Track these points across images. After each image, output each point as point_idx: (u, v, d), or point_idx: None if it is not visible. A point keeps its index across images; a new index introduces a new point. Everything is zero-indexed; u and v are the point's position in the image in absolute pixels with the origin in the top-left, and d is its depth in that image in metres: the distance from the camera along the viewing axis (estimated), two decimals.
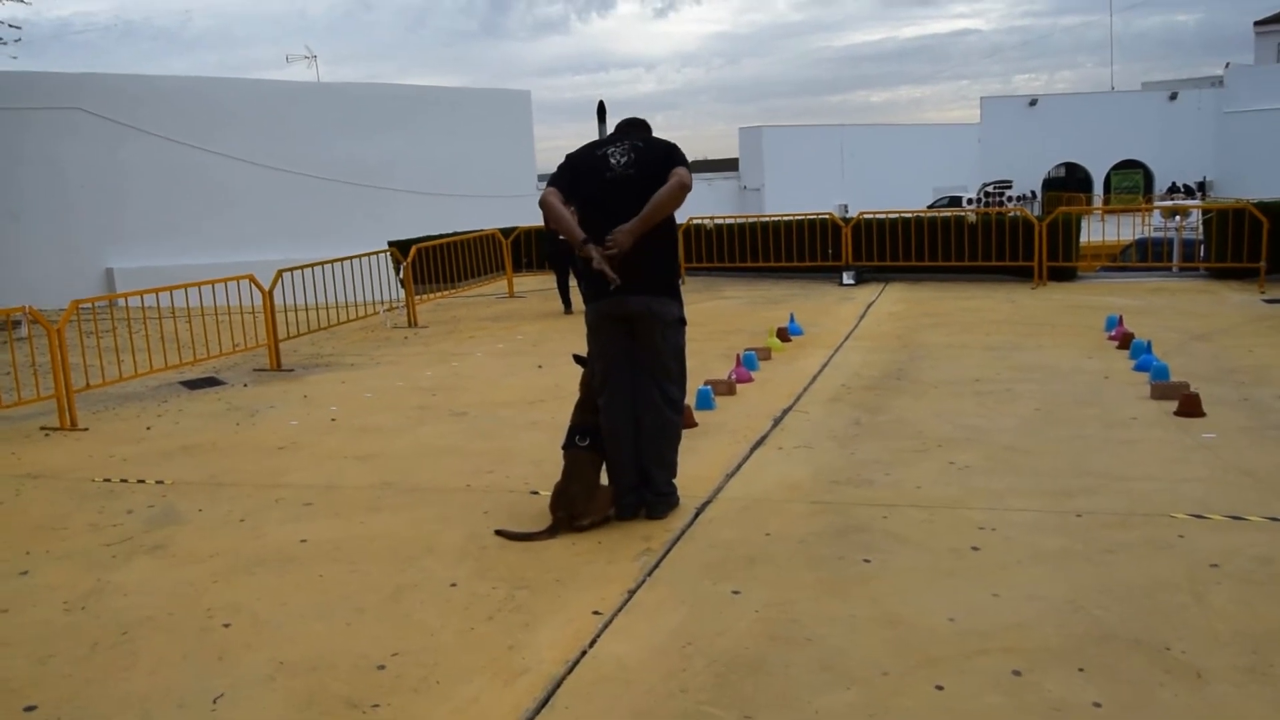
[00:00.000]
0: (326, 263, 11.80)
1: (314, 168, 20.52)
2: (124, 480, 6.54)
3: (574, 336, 11.65)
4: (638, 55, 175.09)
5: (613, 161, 4.97)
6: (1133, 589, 4.15)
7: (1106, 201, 40.44)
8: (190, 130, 19.04)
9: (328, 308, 12.51)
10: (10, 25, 16.11)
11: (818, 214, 15.83)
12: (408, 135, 22.07)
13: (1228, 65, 44.28)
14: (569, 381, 7.76)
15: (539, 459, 6.40)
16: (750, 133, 37.56)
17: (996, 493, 5.43)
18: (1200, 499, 5.22)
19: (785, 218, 15.93)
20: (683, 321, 5.16)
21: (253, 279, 10.34)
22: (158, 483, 6.43)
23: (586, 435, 5.12)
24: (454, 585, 4.47)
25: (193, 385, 9.70)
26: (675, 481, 5.30)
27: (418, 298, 14.46)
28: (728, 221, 16.51)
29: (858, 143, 39.01)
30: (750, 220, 16.46)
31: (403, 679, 3.64)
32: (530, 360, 10.12)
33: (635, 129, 5.25)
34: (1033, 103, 43.98)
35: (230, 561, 4.94)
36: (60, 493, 6.35)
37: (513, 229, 16.23)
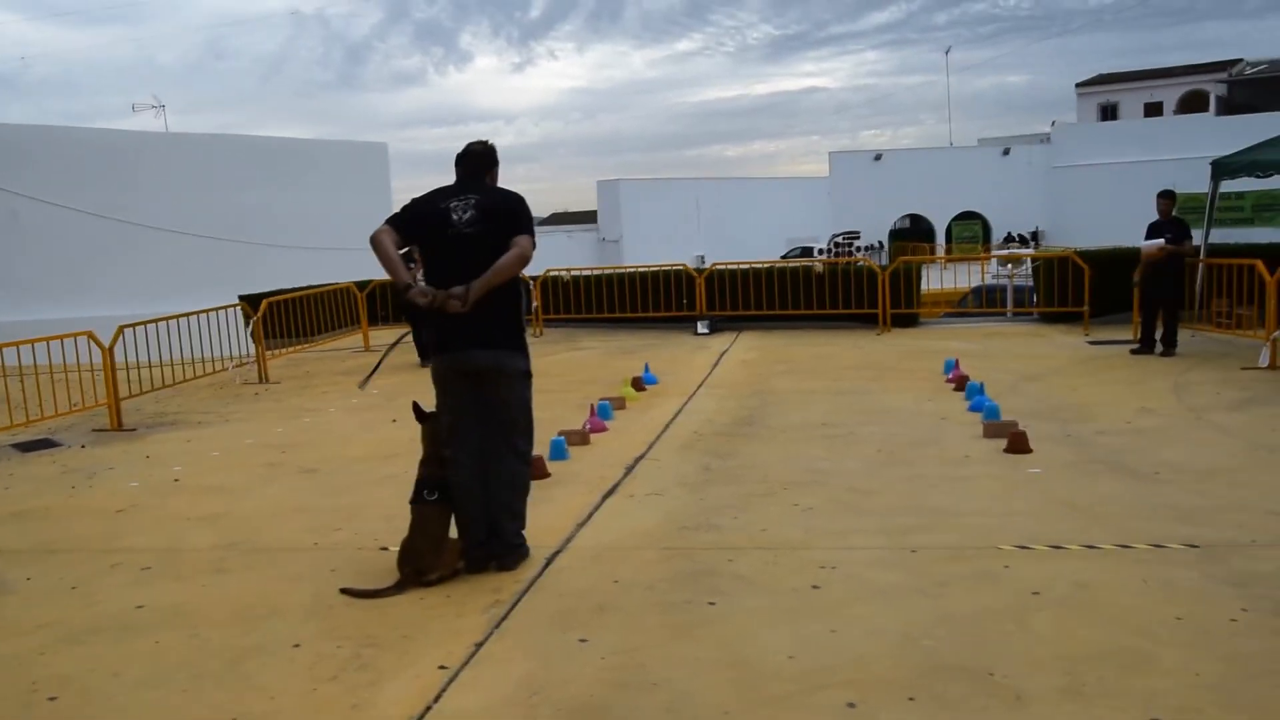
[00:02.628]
0: (172, 318, 11.41)
1: (164, 220, 19.86)
2: None
3: (430, 389, 11.53)
4: (496, 109, 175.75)
5: (454, 218, 4.92)
6: (962, 619, 4.34)
7: (949, 250, 42.38)
8: (30, 181, 18.20)
9: (176, 364, 12.07)
10: None
11: (672, 265, 16.15)
12: (262, 187, 21.60)
13: (1054, 123, 47.30)
14: None
15: (390, 514, 6.28)
16: (608, 186, 38.11)
17: (838, 532, 5.61)
18: (1026, 531, 5.50)
19: (641, 269, 16.20)
20: (529, 375, 5.18)
21: (91, 335, 9.93)
22: None
23: (435, 489, 5.09)
24: (298, 646, 4.36)
25: (25, 447, 9.22)
26: (525, 532, 5.30)
27: (271, 353, 14.09)
28: (585, 273, 16.67)
29: (713, 195, 40.03)
30: (607, 271, 16.67)
31: None
32: (385, 414, 9.96)
33: (476, 163, 5.12)
34: (878, 157, 45.99)
35: (60, 632, 4.70)
36: None
37: (368, 282, 16.01)
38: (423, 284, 4.96)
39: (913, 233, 46.18)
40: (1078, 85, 50.19)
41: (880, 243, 43.67)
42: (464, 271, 4.84)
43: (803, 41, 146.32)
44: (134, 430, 9.85)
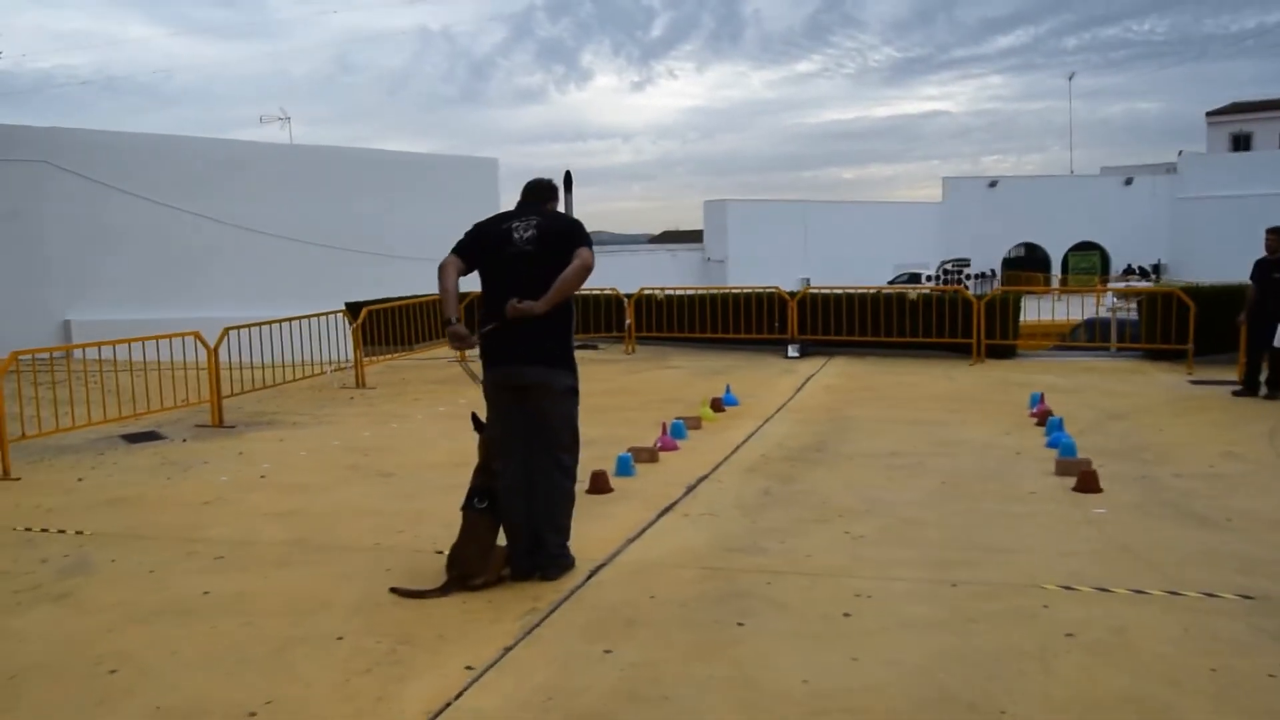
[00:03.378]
0: (275, 321, 11.97)
1: (280, 228, 20.79)
2: (45, 530, 6.64)
3: None
4: (614, 126, 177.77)
5: (515, 236, 5.18)
6: (986, 656, 4.33)
7: (1064, 281, 41.26)
8: (158, 187, 19.29)
9: (278, 366, 12.65)
10: None
11: (766, 288, 16.18)
12: (375, 198, 22.41)
13: (1180, 153, 45.64)
14: None
15: (452, 520, 6.46)
16: (715, 206, 38.22)
17: (882, 562, 5.62)
18: (1074, 571, 5.42)
19: (735, 290, 16.27)
20: (575, 391, 5.34)
21: (198, 336, 10.50)
22: (77, 533, 6.52)
23: (485, 497, 5.29)
24: (340, 639, 4.60)
25: (133, 439, 9.79)
26: (570, 544, 5.46)
27: (371, 359, 14.63)
28: (679, 292, 16.82)
29: (821, 218, 39.78)
30: (700, 291, 16.79)
31: None
32: (468, 423, 10.21)
33: (538, 194, 5.44)
34: (993, 184, 45.04)
35: (130, 611, 5.05)
36: None
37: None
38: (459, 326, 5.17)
39: (1027, 261, 45.10)
40: (1208, 114, 48.34)
41: (993, 270, 42.80)
42: (523, 287, 5.08)
43: (925, 64, 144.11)
44: (233, 427, 10.37)
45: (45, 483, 8.09)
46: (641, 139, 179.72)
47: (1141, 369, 13.88)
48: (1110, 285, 26.71)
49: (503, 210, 5.52)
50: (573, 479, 5.41)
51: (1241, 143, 50.37)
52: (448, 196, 23.73)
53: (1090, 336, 18.97)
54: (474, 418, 5.57)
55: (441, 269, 5.22)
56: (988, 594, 5.10)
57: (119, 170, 18.82)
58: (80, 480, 8.13)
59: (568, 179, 18.95)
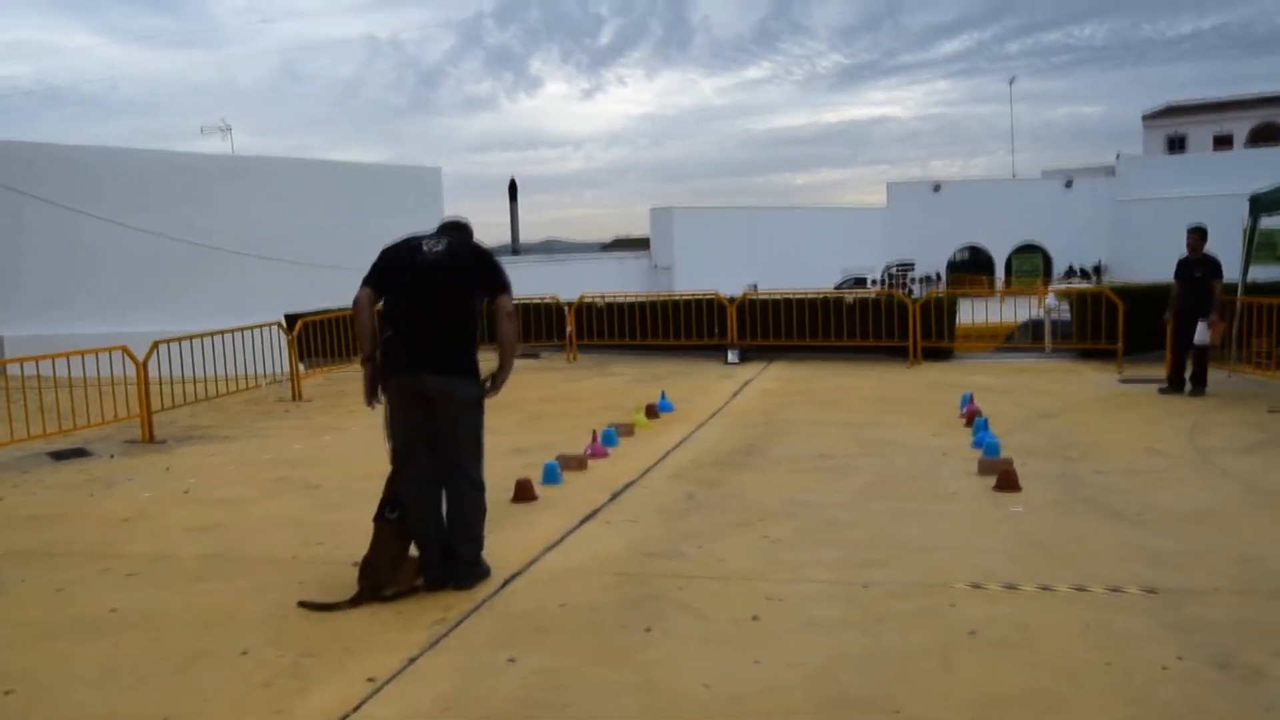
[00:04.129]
0: (207, 334, 11.80)
1: (220, 239, 20.54)
2: None
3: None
4: (565, 134, 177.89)
5: (425, 248, 5.23)
6: (889, 655, 4.36)
7: (1008, 283, 41.81)
8: (86, 199, 18.95)
9: (214, 380, 12.46)
10: None
11: (706, 293, 16.23)
12: (317, 209, 22.21)
13: (1119, 155, 46.49)
14: None
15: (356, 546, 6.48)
16: (661, 213, 38.32)
17: (798, 564, 5.64)
18: (985, 569, 5.48)
19: (675, 296, 16.31)
20: (480, 402, 5.31)
21: (126, 350, 10.33)
22: None
23: (396, 507, 5.25)
24: (245, 653, 4.53)
25: (59, 456, 9.61)
26: (485, 553, 5.43)
27: (311, 371, 14.48)
28: (620, 299, 16.82)
29: (768, 224, 39.99)
30: (642, 298, 16.81)
31: None
32: None
33: (454, 227, 5.49)
34: (936, 188, 45.57)
35: (34, 630, 4.95)
36: None
37: None
38: None
39: (972, 264, 45.66)
40: (1145, 116, 49.24)
41: (938, 274, 43.30)
42: (430, 301, 5.12)
43: (872, 70, 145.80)
44: (164, 443, 10.21)
45: None
46: (592, 146, 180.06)
47: (1074, 368, 14.10)
48: (1052, 287, 27.04)
49: (411, 235, 5.46)
50: (482, 489, 5.38)
51: (1177, 144, 51.45)
52: (391, 206, 23.60)
53: (1026, 337, 19.25)
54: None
55: (357, 304, 5.24)
56: (898, 594, 5.14)
57: (46, 182, 18.50)
58: (0, 498, 7.96)
59: (512, 187, 18.95)
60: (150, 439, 10.28)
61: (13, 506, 7.72)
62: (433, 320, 5.14)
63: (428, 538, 5.24)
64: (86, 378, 11.16)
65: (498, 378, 5.30)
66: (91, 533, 6.83)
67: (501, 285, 5.24)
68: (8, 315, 17.47)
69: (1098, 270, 42.90)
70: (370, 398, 5.28)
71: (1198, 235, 11.87)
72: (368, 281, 5.26)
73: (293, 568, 5.82)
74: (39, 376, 11.69)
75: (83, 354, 10.13)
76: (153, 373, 11.28)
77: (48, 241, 18.38)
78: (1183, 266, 11.91)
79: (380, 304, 5.29)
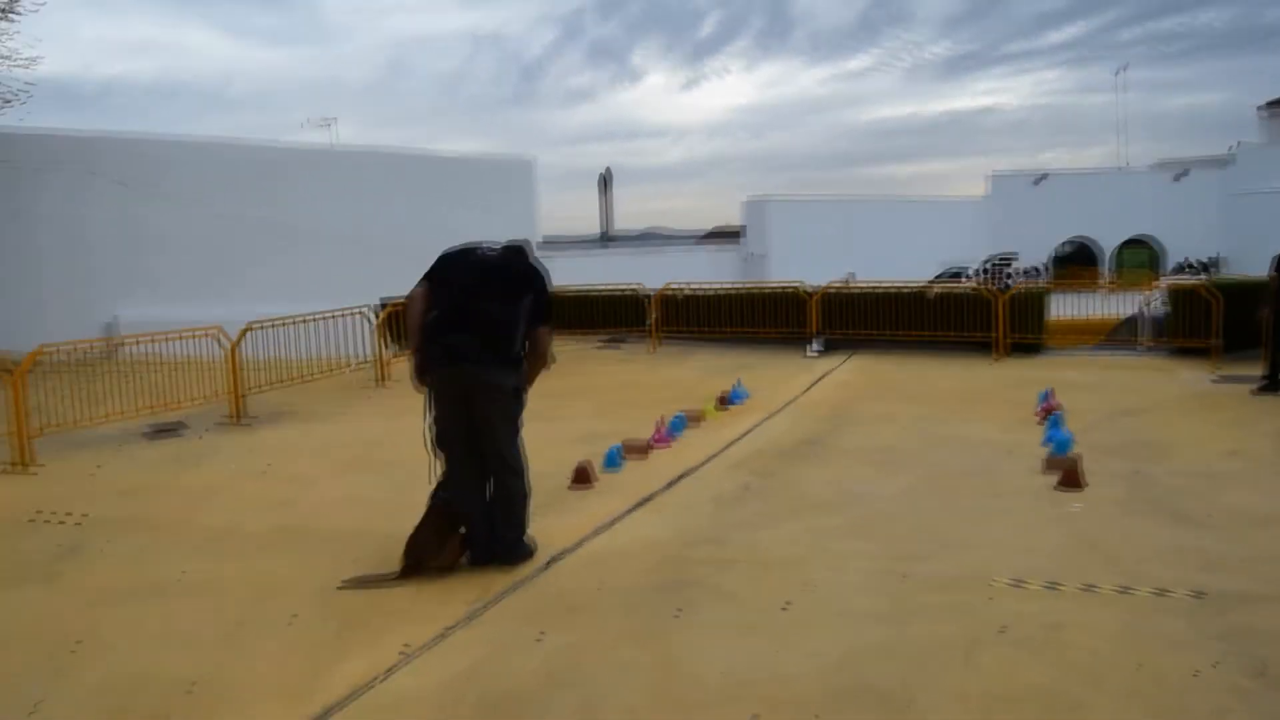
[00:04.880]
0: (298, 320, 12.24)
1: (321, 229, 21.21)
2: (51, 516, 6.91)
3: (532, 394, 11.98)
4: (665, 125, 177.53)
5: (480, 252, 5.56)
6: (913, 648, 4.36)
7: (1116, 277, 40.39)
8: (201, 190, 19.80)
9: (304, 362, 12.91)
10: (23, 85, 17.04)
11: (788, 284, 16.16)
12: (412, 199, 22.75)
13: (1235, 145, 44.37)
14: None
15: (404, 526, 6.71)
16: (754, 204, 38.06)
17: (839, 554, 5.66)
18: (1029, 567, 5.41)
19: (757, 287, 16.28)
20: (519, 393, 5.49)
21: (220, 331, 10.79)
22: (79, 520, 6.80)
23: (447, 488, 5.44)
24: (293, 620, 4.78)
25: (156, 432, 10.11)
26: (535, 534, 5.60)
27: (398, 355, 14.88)
28: (702, 290, 16.85)
29: (865, 215, 39.38)
30: (723, 289, 16.82)
31: (204, 698, 3.96)
32: None
33: (514, 248, 5.70)
34: (1038, 180, 44.25)
35: (108, 593, 5.29)
36: None
37: None
38: None
39: (1078, 257, 44.25)
40: (1263, 105, 46.78)
41: (1045, 266, 42.10)
42: (479, 290, 5.38)
43: (978, 60, 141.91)
44: (252, 421, 10.66)
45: (64, 473, 8.41)
46: (693, 137, 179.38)
47: (1167, 366, 13.63)
48: (1159, 282, 26.06)
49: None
50: (520, 476, 5.54)
51: None
52: (484, 197, 24.04)
53: (1131, 334, 18.65)
54: None
55: (410, 300, 5.52)
56: (935, 587, 5.12)
57: (162, 174, 19.40)
58: (96, 471, 8.44)
59: (604, 177, 19.11)
60: (240, 418, 10.74)
61: (108, 477, 8.18)
62: (479, 315, 5.34)
63: (473, 518, 5.43)
64: (189, 359, 11.72)
65: (530, 373, 5.57)
66: (173, 505, 7.21)
67: (541, 309, 5.50)
68: (126, 300, 18.39)
69: (1214, 264, 41.17)
70: (420, 381, 5.48)
71: None
72: (425, 279, 5.53)
73: (351, 543, 6.06)
74: (146, 357, 12.31)
75: (179, 336, 10.63)
76: (250, 354, 11.78)
77: (163, 230, 19.26)
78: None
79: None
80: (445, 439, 5.44)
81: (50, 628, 4.78)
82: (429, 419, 5.46)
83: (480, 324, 5.30)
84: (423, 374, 5.46)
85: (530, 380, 5.59)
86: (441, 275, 5.51)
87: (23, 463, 8.57)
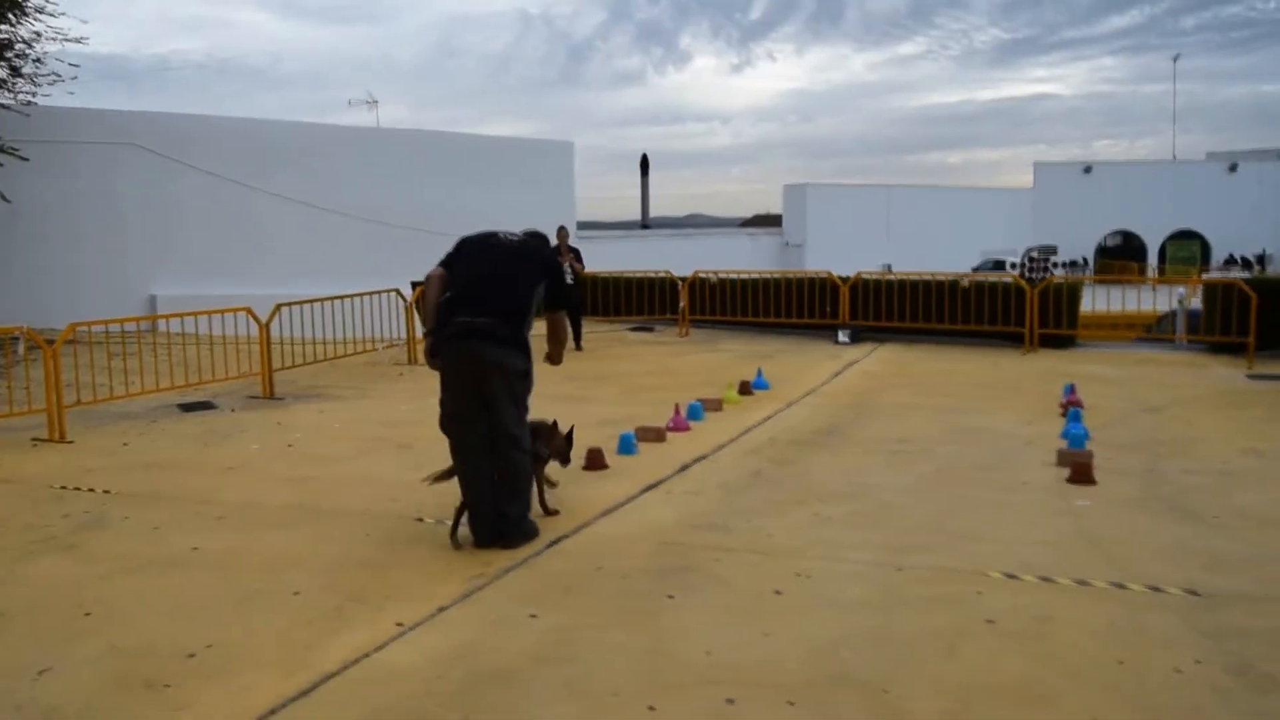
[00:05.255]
0: (327, 299, 12.46)
1: (358, 209, 21.54)
2: (77, 488, 7.15)
3: (559, 378, 12.15)
4: (713, 109, 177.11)
5: (499, 237, 5.83)
6: (898, 637, 4.43)
7: (1161, 271, 39.83)
8: (238, 168, 20.18)
9: (336, 342, 13.16)
10: (70, 64, 17.44)
11: (818, 272, 16.16)
12: (451, 181, 23.01)
13: None
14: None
15: (446, 491, 6.80)
16: (794, 190, 37.90)
17: (839, 544, 5.72)
18: (1026, 560, 5.44)
19: (787, 275, 16.29)
20: (528, 374, 5.66)
21: (249, 311, 11.03)
22: (104, 492, 7.03)
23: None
24: (298, 594, 4.94)
25: (186, 408, 10.37)
26: (540, 516, 5.74)
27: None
28: (732, 276, 16.89)
29: (905, 203, 39.12)
30: (754, 276, 16.84)
31: (203, 667, 4.12)
32: None
33: (533, 234, 6.14)
34: (1087, 170, 43.63)
35: (124, 563, 5.48)
36: (16, 496, 7.00)
37: None
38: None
39: (1124, 250, 43.66)
40: None
41: (1084, 259, 41.59)
42: (494, 273, 5.62)
43: (1033, 46, 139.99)
44: (282, 399, 10.89)
45: (94, 446, 8.67)
46: (740, 121, 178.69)
47: (1199, 362, 13.49)
48: (1207, 276, 25.65)
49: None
50: (527, 453, 5.70)
51: None
52: (522, 180, 24.24)
53: (1171, 329, 18.41)
54: None
55: (428, 281, 5.71)
56: (929, 579, 5.17)
57: (200, 151, 19.77)
58: (125, 445, 8.69)
59: (644, 162, 19.23)
60: (270, 395, 10.98)
61: (136, 452, 8.43)
62: (493, 296, 5.53)
63: (479, 498, 5.58)
64: (224, 336, 11.99)
65: (552, 354, 6.12)
66: (196, 479, 7.42)
67: (557, 292, 5.86)
68: (162, 277, 18.84)
69: (1261, 260, 40.45)
70: (432, 362, 5.68)
71: None
72: (443, 263, 5.73)
73: (363, 520, 6.23)
74: (183, 334, 12.62)
75: (209, 313, 10.88)
76: (283, 333, 12.03)
77: (199, 208, 19.68)
78: None
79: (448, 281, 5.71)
80: (454, 420, 5.60)
81: (64, 596, 4.98)
82: (439, 399, 5.63)
83: (493, 306, 5.48)
84: (434, 355, 5.61)
85: (556, 359, 6.06)
86: (459, 259, 5.73)
87: (57, 436, 8.83)
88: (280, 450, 8.39)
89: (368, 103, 29.43)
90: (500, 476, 5.59)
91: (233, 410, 10.32)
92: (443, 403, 5.64)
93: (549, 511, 6.09)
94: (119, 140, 18.86)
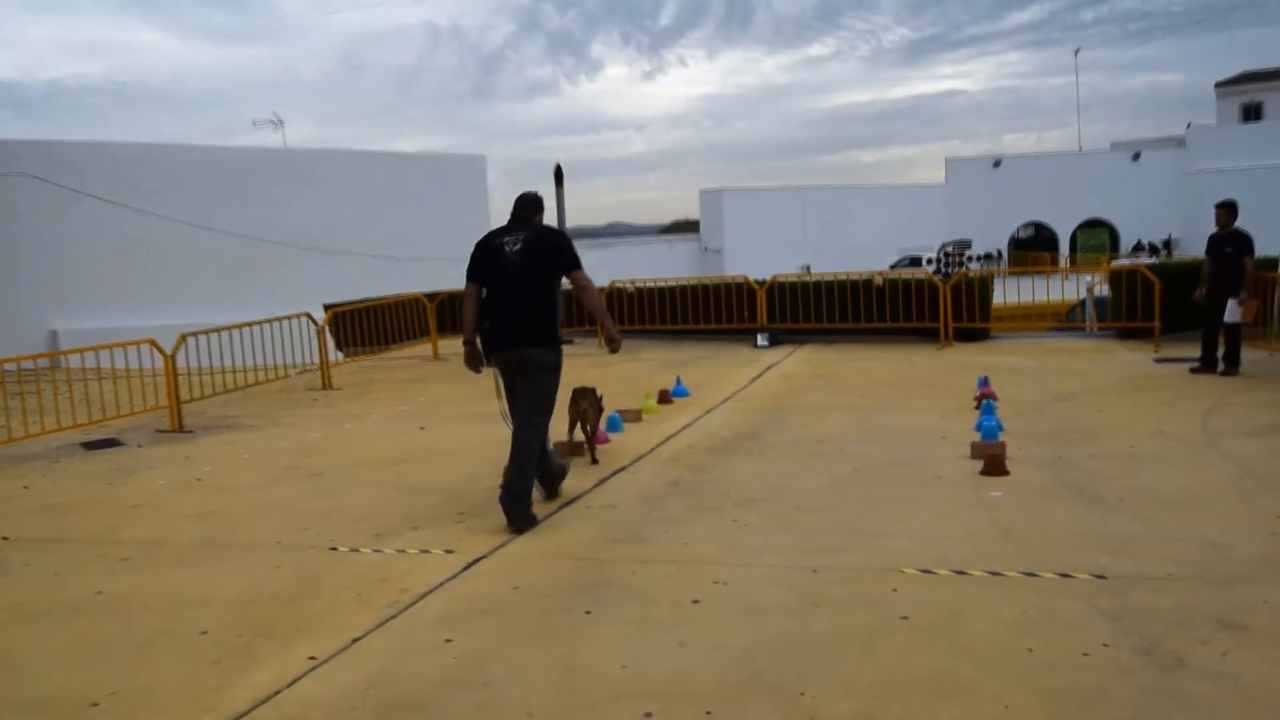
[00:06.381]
0: (234, 327, 12.24)
1: (265, 232, 21.19)
2: None
3: (478, 398, 12.08)
4: (627, 116, 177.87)
5: (506, 250, 6.57)
6: (813, 640, 4.50)
7: (1072, 260, 40.99)
8: (139, 195, 19.71)
9: (247, 370, 12.93)
10: None
11: (735, 277, 16.32)
12: (362, 199, 22.77)
13: (1189, 126, 45.10)
14: (442, 443, 9.19)
15: (362, 516, 6.81)
16: (710, 195, 38.21)
17: (755, 549, 5.79)
18: (941, 555, 5.56)
19: (705, 281, 16.42)
20: (557, 369, 6.65)
21: (153, 343, 10.78)
22: (2, 539, 6.80)
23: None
24: (205, 633, 4.84)
25: (91, 446, 10.10)
26: (447, 538, 5.88)
27: (346, 360, 14.93)
28: (649, 284, 16.98)
29: (821, 204, 39.69)
30: (671, 283, 16.95)
31: (106, 716, 4.02)
32: (419, 422, 10.51)
33: (526, 208, 6.83)
34: (997, 164, 44.70)
35: (22, 612, 5.32)
36: None
37: (437, 293, 16.73)
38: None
39: (1035, 241, 44.84)
40: (1218, 84, 47.56)
41: (999, 251, 42.61)
42: (513, 291, 6.50)
43: (939, 43, 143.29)
44: (191, 432, 10.66)
45: None
46: (655, 128, 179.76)
47: (1110, 349, 13.92)
48: (1116, 263, 26.46)
49: (496, 228, 6.93)
50: (539, 434, 6.58)
51: (1253, 113, 49.59)
52: (434, 196, 24.08)
53: (1081, 317, 18.96)
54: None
55: (465, 297, 6.72)
56: (844, 579, 5.26)
57: (95, 180, 19.27)
58: (26, 488, 8.43)
59: (558, 172, 19.22)
60: (179, 429, 10.74)
61: (36, 495, 8.18)
62: (517, 307, 6.48)
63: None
64: (129, 370, 11.71)
65: (609, 337, 6.91)
66: (100, 519, 7.23)
67: (571, 264, 6.61)
68: (63, 310, 18.29)
69: (1168, 245, 41.84)
70: (475, 367, 6.75)
71: (1227, 211, 11.68)
72: (470, 277, 6.69)
73: (274, 553, 6.13)
74: (85, 369, 12.28)
75: (111, 347, 10.61)
76: (192, 364, 11.78)
77: (98, 238, 19.17)
78: (1213, 243, 11.75)
79: (477, 292, 6.70)
80: (511, 411, 6.67)
81: None
82: (501, 398, 6.76)
83: (521, 313, 6.43)
84: (476, 362, 6.70)
85: (607, 335, 6.89)
86: (481, 273, 6.62)
87: None
88: (188, 484, 8.22)
89: (273, 122, 29.02)
90: (512, 451, 6.41)
91: (139, 446, 10.08)
92: (500, 398, 6.78)
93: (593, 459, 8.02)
94: (11, 172, 18.31)
